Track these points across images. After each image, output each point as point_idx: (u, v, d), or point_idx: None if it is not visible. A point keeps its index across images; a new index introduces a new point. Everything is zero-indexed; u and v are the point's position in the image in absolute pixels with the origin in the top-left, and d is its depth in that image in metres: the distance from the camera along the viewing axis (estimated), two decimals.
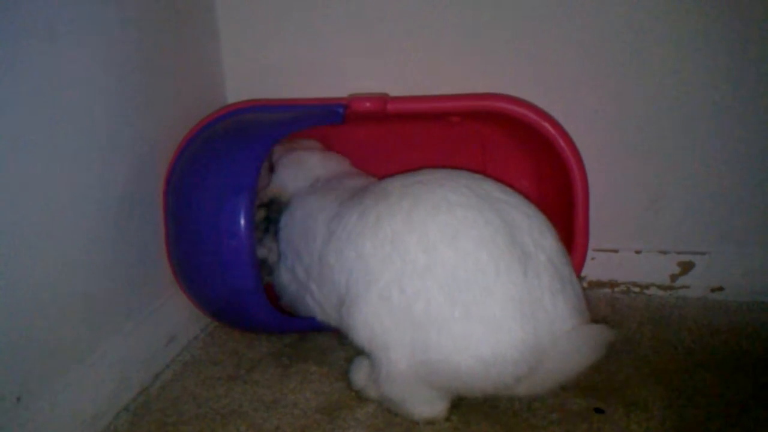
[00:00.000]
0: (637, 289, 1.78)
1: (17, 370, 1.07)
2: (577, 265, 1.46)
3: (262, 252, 1.51)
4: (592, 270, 1.77)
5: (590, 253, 1.57)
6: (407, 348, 1.15)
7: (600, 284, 1.79)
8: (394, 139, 1.76)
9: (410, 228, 1.17)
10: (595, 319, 1.21)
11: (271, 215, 1.52)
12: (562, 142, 1.46)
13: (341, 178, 1.52)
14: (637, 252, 1.76)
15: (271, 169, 1.59)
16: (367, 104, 1.50)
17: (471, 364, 1.10)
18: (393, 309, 1.15)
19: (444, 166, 1.36)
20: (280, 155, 1.60)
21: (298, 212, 1.48)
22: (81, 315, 1.22)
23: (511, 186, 1.29)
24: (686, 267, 1.73)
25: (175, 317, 1.53)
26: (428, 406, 1.22)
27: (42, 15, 1.11)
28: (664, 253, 1.74)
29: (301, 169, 1.57)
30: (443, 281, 1.12)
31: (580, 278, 1.37)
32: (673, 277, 1.75)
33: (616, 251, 1.77)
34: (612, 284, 1.79)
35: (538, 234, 1.18)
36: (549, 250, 1.18)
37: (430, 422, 1.23)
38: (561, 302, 1.14)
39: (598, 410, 1.25)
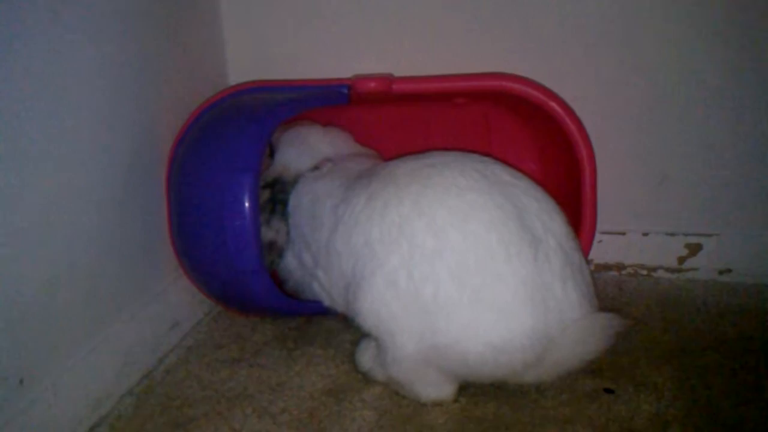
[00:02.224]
0: (644, 272, 1.76)
1: (21, 352, 1.06)
2: (585, 248, 1.45)
3: (270, 234, 1.47)
4: (600, 253, 1.76)
5: (597, 236, 1.56)
6: (415, 333, 1.13)
7: (607, 267, 1.78)
8: (399, 121, 1.74)
9: (419, 212, 1.15)
10: (602, 302, 1.20)
11: (276, 196, 1.49)
12: (569, 122, 1.44)
13: (347, 160, 1.50)
14: (645, 234, 1.74)
15: (271, 154, 1.56)
16: (372, 84, 1.49)
17: (480, 350, 1.09)
18: (400, 294, 1.14)
19: (451, 149, 1.34)
20: (279, 135, 1.58)
21: (305, 197, 1.45)
22: (84, 299, 1.21)
23: (517, 168, 1.28)
24: (694, 249, 1.72)
25: (179, 302, 1.52)
26: (436, 389, 1.20)
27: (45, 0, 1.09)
28: (672, 235, 1.73)
29: (304, 146, 1.54)
30: (452, 266, 1.11)
31: (587, 261, 1.35)
32: (681, 260, 1.73)
33: (623, 234, 1.75)
34: (619, 267, 1.78)
35: (547, 218, 1.17)
36: (559, 235, 1.16)
37: (438, 404, 1.21)
38: (571, 289, 1.12)
39: (608, 390, 1.24)
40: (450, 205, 1.14)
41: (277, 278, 1.53)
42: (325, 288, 1.38)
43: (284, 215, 1.49)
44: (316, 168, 1.49)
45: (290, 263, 1.50)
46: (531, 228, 1.13)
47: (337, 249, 1.29)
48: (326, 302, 1.42)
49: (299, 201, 1.47)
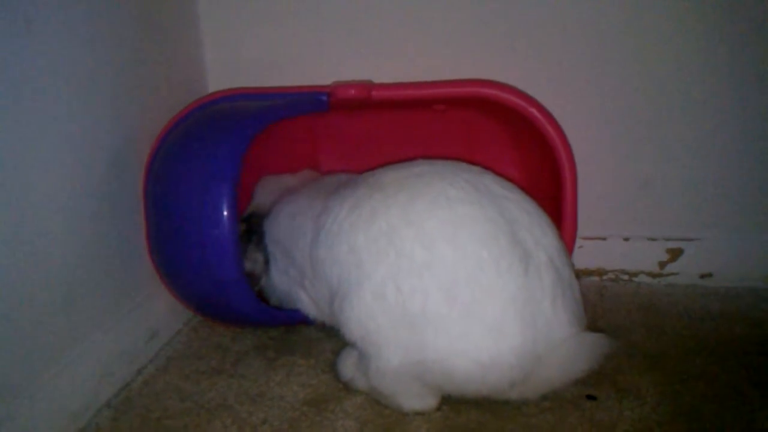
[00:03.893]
0: (626, 277, 1.77)
1: None
2: None
3: (248, 265, 1.49)
4: (581, 258, 1.76)
5: (578, 241, 1.56)
6: (401, 346, 1.11)
7: (588, 272, 1.78)
8: (380, 128, 1.74)
9: (407, 222, 1.13)
10: (584, 308, 1.19)
11: (252, 227, 1.51)
12: (549, 129, 1.44)
13: (322, 178, 1.50)
14: (626, 239, 1.75)
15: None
16: (352, 91, 1.47)
17: (468, 367, 1.08)
18: (387, 307, 1.11)
19: (434, 155, 1.33)
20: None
21: (282, 212, 1.45)
22: (61, 311, 1.19)
23: (504, 177, 1.26)
24: (675, 254, 1.72)
25: (157, 312, 1.50)
26: (419, 400, 1.19)
27: (19, 6, 1.08)
28: (653, 239, 1.73)
29: (275, 184, 1.58)
30: (442, 279, 1.08)
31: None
32: (662, 264, 1.74)
33: (604, 239, 1.76)
34: (600, 272, 1.78)
35: (539, 232, 1.15)
36: (550, 249, 1.14)
37: (420, 413, 1.20)
38: (560, 308, 1.11)
39: (590, 397, 1.23)
40: (439, 216, 1.12)
41: (261, 297, 1.53)
42: (312, 298, 1.37)
43: (260, 246, 1.50)
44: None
45: (275, 279, 1.48)
46: (522, 242, 1.11)
47: (320, 256, 1.26)
48: (313, 313, 1.41)
49: (276, 218, 1.46)
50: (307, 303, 1.41)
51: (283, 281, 1.46)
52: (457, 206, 1.12)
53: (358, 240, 1.17)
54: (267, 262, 1.50)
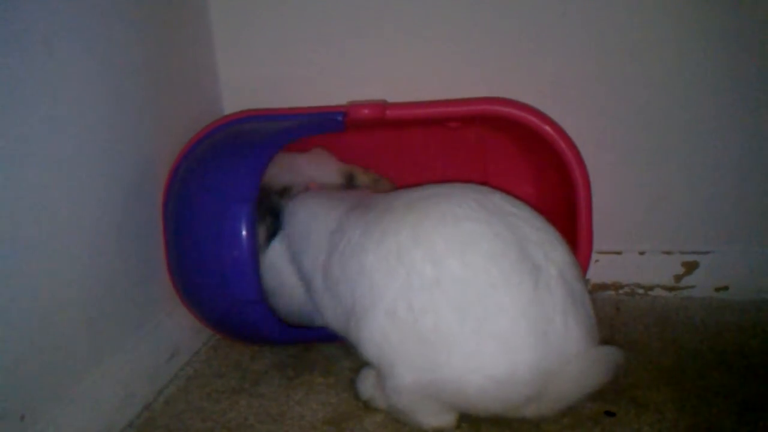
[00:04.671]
0: (641, 291, 1.77)
1: (20, 388, 1.05)
2: (582, 268, 1.44)
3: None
4: (596, 272, 1.76)
5: (594, 256, 1.56)
6: (414, 364, 1.12)
7: (604, 287, 1.78)
8: (396, 145, 1.75)
9: (416, 241, 1.14)
10: (600, 322, 1.19)
11: (265, 204, 1.48)
12: (563, 145, 1.45)
13: (340, 190, 1.51)
14: (641, 253, 1.75)
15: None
16: (366, 111, 1.49)
17: (483, 384, 1.08)
18: (400, 326, 1.12)
19: (449, 174, 1.34)
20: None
21: (299, 215, 1.45)
22: (82, 332, 1.21)
23: (513, 191, 1.28)
24: (690, 267, 1.72)
25: (177, 331, 1.51)
26: (437, 417, 1.19)
27: (39, 29, 1.10)
28: (668, 253, 1.73)
29: (284, 162, 1.56)
30: (452, 296, 1.09)
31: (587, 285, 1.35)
32: (678, 278, 1.74)
33: (619, 253, 1.76)
34: (616, 286, 1.78)
35: (549, 247, 1.15)
36: (561, 264, 1.14)
37: (440, 431, 1.21)
38: (572, 322, 1.10)
39: (609, 413, 1.24)
40: (447, 233, 1.13)
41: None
42: (321, 308, 1.37)
43: (265, 220, 1.48)
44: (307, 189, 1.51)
45: (277, 277, 1.48)
46: (532, 257, 1.12)
47: (334, 275, 1.28)
48: (318, 321, 1.41)
49: (292, 217, 1.46)
50: (313, 314, 1.42)
51: (284, 283, 1.47)
52: (465, 224, 1.13)
53: (368, 260, 1.19)
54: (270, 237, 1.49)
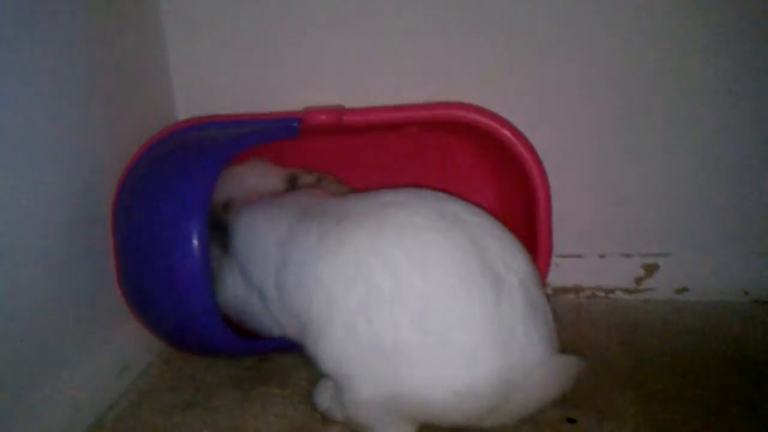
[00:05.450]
0: (602, 294, 1.76)
1: None
2: (542, 272, 1.43)
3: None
4: (557, 276, 1.75)
5: (554, 259, 1.55)
6: (374, 378, 1.09)
7: (565, 290, 1.78)
8: (354, 151, 1.73)
9: (375, 251, 1.11)
10: (561, 326, 1.18)
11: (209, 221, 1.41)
12: (521, 148, 1.44)
13: (284, 197, 1.47)
14: (602, 256, 1.75)
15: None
16: (323, 117, 1.47)
17: (444, 397, 1.06)
18: (358, 340, 1.10)
19: (408, 180, 1.32)
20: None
21: (244, 227, 1.41)
22: (28, 346, 1.16)
23: (473, 196, 1.26)
24: (650, 269, 1.72)
25: (128, 344, 1.47)
26: (395, 429, 1.16)
27: None
28: (628, 255, 1.73)
29: (227, 179, 1.49)
30: (413, 309, 1.07)
31: (546, 287, 1.34)
32: (638, 280, 1.74)
33: (580, 256, 1.75)
34: (577, 290, 1.77)
35: (509, 257, 1.13)
36: (521, 274, 1.13)
37: None
38: (533, 332, 1.09)
39: (570, 420, 1.22)
40: (407, 245, 1.10)
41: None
42: (277, 321, 1.34)
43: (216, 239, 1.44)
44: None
45: (231, 290, 1.44)
46: (493, 268, 1.10)
47: (288, 287, 1.25)
48: (276, 332, 1.37)
49: (238, 232, 1.42)
50: (269, 325, 1.37)
51: (241, 295, 1.42)
52: (425, 234, 1.11)
53: (324, 270, 1.16)
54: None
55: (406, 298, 1.07)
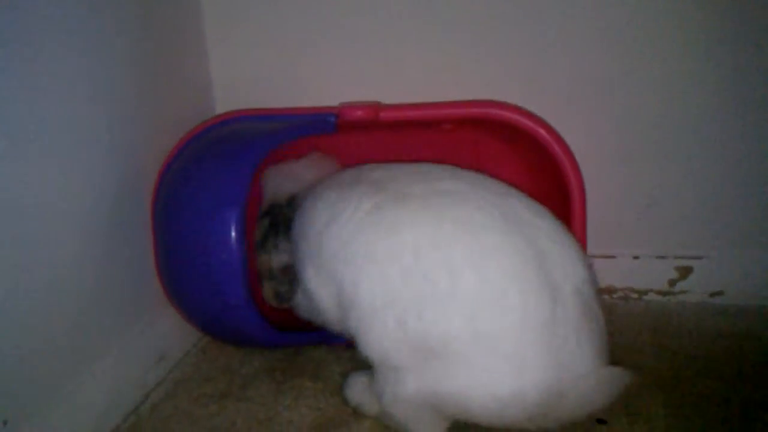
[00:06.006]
0: (635, 295, 1.76)
1: (4, 392, 1.04)
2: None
3: (282, 257, 1.42)
4: None
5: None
6: (419, 375, 1.09)
7: (598, 291, 1.76)
8: (388, 147, 1.73)
9: (434, 245, 1.09)
10: None
11: (276, 218, 1.44)
12: (557, 148, 1.43)
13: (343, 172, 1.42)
14: (635, 258, 1.74)
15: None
16: (359, 113, 1.48)
17: (486, 402, 1.05)
18: (408, 333, 1.08)
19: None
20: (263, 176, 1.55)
21: (298, 217, 1.38)
22: (68, 334, 1.19)
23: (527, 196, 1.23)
24: (684, 272, 1.71)
25: (166, 333, 1.50)
26: (430, 427, 1.16)
27: (24, 24, 1.08)
28: (662, 258, 1.72)
29: (285, 172, 1.51)
30: (466, 311, 1.05)
31: None
32: (672, 282, 1.73)
33: (613, 257, 1.75)
34: (610, 290, 1.77)
35: (569, 264, 1.10)
36: (578, 282, 1.10)
37: None
38: (585, 343, 1.07)
39: (601, 421, 1.23)
40: (467, 243, 1.08)
41: (264, 306, 1.50)
42: (310, 293, 1.29)
43: (288, 235, 1.42)
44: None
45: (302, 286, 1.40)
46: (550, 274, 1.07)
47: (332, 248, 1.21)
48: (305, 315, 1.36)
49: (300, 209, 1.38)
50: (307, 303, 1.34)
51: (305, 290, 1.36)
52: (486, 235, 1.09)
53: (378, 247, 1.14)
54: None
55: (461, 298, 1.06)
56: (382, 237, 1.14)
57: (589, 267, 1.16)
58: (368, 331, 1.13)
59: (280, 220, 1.45)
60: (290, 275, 1.41)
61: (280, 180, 1.51)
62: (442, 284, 1.07)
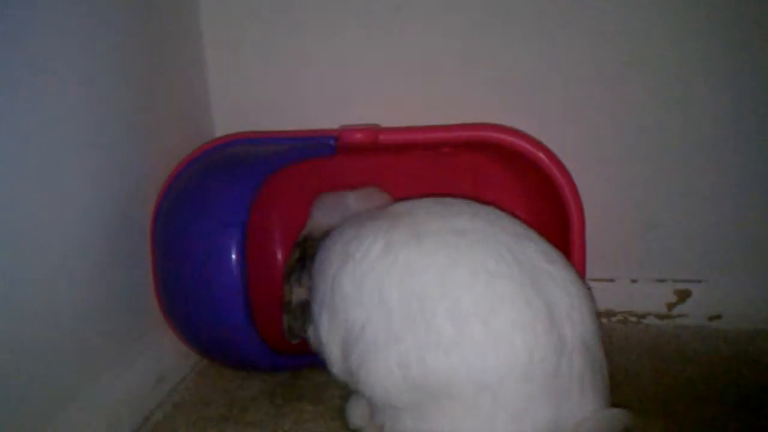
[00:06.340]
0: (634, 319, 1.76)
1: (2, 416, 1.03)
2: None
3: (301, 294, 1.39)
4: None
5: (586, 283, 1.54)
6: (420, 417, 1.09)
7: (596, 314, 1.76)
8: (388, 169, 1.74)
9: (442, 293, 1.08)
10: None
11: (306, 252, 1.40)
12: (556, 172, 1.44)
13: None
14: (634, 281, 1.74)
15: None
16: (358, 136, 1.48)
17: None
18: (410, 377, 1.07)
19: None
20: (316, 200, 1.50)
21: (325, 243, 1.35)
22: (67, 357, 1.18)
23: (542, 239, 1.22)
24: (683, 295, 1.72)
25: (165, 356, 1.49)
26: None
27: (27, 46, 1.09)
28: (661, 281, 1.73)
29: (331, 203, 1.46)
30: (469, 361, 1.04)
31: None
32: (671, 306, 1.73)
33: (612, 281, 1.75)
34: (609, 314, 1.77)
35: (577, 315, 1.09)
36: (585, 333, 1.09)
37: None
38: (588, 390, 1.07)
39: None
40: (477, 292, 1.07)
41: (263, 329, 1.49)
42: (325, 337, 1.26)
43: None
44: None
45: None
46: (559, 327, 1.06)
47: (345, 289, 1.19)
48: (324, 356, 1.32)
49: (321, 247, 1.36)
50: (318, 344, 1.31)
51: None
52: (497, 284, 1.07)
53: (392, 295, 1.12)
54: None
55: (465, 347, 1.05)
56: (395, 284, 1.12)
57: (596, 316, 1.15)
58: (368, 365, 1.13)
59: (308, 254, 1.41)
60: (306, 313, 1.38)
61: (326, 210, 1.46)
62: (447, 333, 1.06)
